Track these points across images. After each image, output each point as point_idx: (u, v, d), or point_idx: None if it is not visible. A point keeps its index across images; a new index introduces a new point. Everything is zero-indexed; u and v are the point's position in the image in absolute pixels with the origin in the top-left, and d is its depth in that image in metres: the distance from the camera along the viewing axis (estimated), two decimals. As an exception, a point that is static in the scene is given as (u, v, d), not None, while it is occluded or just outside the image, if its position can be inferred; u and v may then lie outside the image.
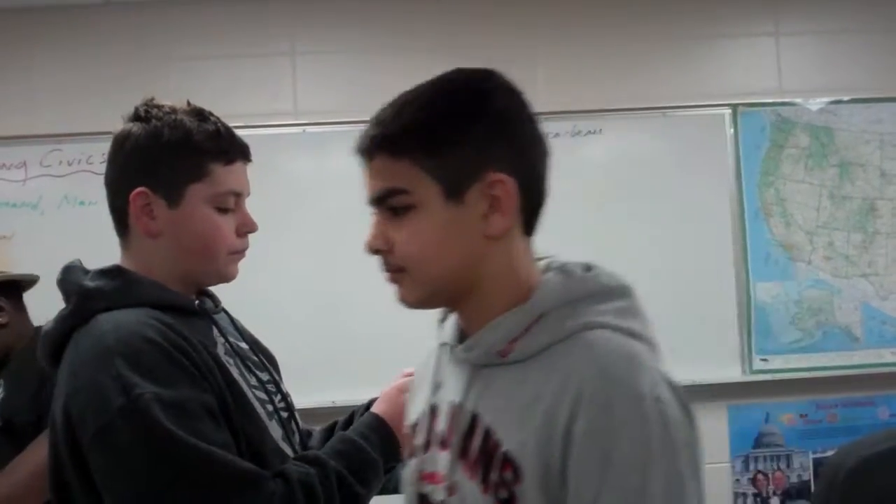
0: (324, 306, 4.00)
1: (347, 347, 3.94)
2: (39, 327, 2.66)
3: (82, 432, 1.44)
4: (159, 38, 4.20)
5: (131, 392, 1.40)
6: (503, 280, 1.20)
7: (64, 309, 1.59)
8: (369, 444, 1.55)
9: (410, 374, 1.62)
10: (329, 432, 1.76)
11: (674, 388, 1.12)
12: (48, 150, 4.08)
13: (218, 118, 1.68)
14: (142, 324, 1.48)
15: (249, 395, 1.55)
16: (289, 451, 1.59)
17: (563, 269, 1.23)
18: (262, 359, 1.71)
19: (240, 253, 1.67)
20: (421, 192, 1.18)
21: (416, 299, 1.23)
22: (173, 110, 1.65)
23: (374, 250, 1.22)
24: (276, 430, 1.58)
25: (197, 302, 1.63)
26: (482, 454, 1.16)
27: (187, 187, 1.60)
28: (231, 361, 1.58)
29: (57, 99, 4.15)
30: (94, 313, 1.52)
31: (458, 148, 1.17)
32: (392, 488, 1.56)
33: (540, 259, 1.27)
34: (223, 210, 1.62)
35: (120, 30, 4.21)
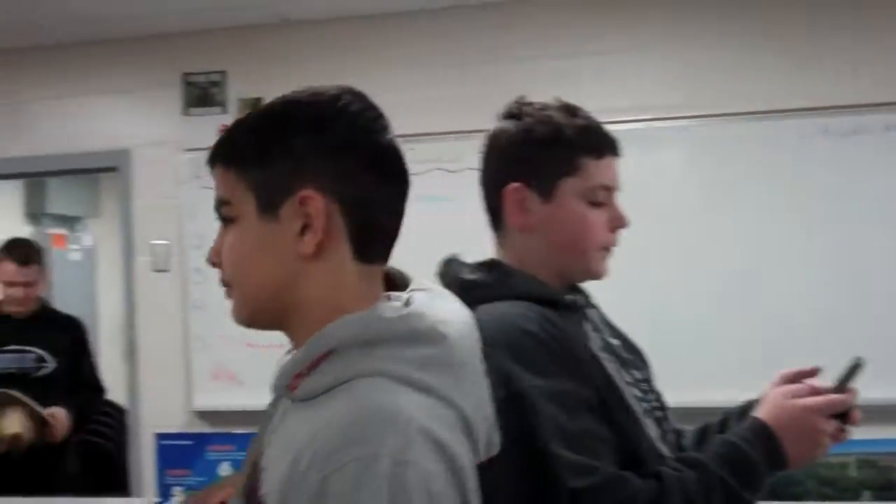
0: (672, 302, 3.94)
1: (718, 345, 3.89)
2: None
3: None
4: (504, 39, 4.31)
5: (513, 385, 1.42)
6: (322, 307, 1.12)
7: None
8: (752, 448, 1.48)
9: (791, 377, 1.56)
10: (702, 434, 1.71)
11: (446, 455, 1.02)
12: (405, 150, 4.27)
13: (588, 113, 1.68)
14: (521, 316, 1.50)
15: (625, 392, 1.54)
16: (665, 451, 1.56)
17: (376, 306, 1.11)
18: (634, 356, 1.69)
19: (609, 249, 1.66)
20: (240, 205, 1.14)
21: (241, 317, 1.19)
22: (545, 107, 1.67)
23: (212, 263, 1.20)
24: (651, 429, 1.56)
25: (569, 297, 1.63)
26: (251, 493, 1.12)
27: (560, 181, 1.61)
28: (606, 357, 1.57)
29: (409, 100, 4.36)
30: (473, 305, 1.56)
31: (274, 162, 1.12)
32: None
33: (415, 289, 1.19)
34: (595, 204, 1.62)
35: (468, 32, 4.36)
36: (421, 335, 1.09)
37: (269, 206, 1.12)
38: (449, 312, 1.16)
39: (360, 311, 1.10)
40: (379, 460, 0.96)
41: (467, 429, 1.09)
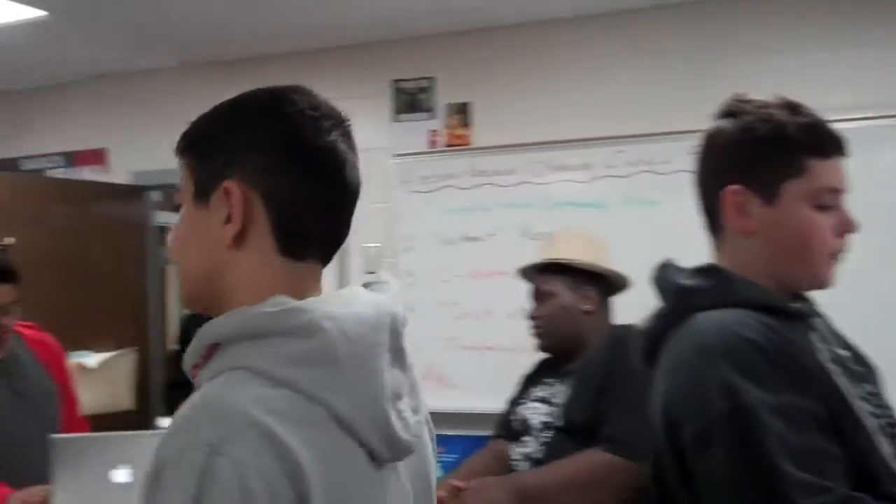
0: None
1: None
2: (615, 326, 2.74)
3: (682, 434, 1.43)
4: (716, 36, 4.19)
5: (735, 396, 1.36)
6: (243, 297, 1.15)
7: (661, 307, 1.60)
8: None
9: None
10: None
11: (280, 451, 1.01)
12: (612, 152, 4.24)
13: (811, 110, 1.59)
14: (743, 324, 1.43)
15: (857, 407, 1.44)
16: (901, 471, 1.46)
17: (265, 300, 1.12)
18: (864, 368, 1.59)
19: (837, 255, 1.57)
20: (184, 192, 1.22)
21: (183, 300, 1.25)
22: (765, 104, 1.59)
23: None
24: (885, 447, 1.46)
25: (794, 305, 1.55)
26: None
27: (783, 184, 1.53)
28: (835, 370, 1.48)
29: (618, 102, 4.30)
30: (691, 312, 1.51)
31: (210, 154, 1.19)
32: None
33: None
34: (821, 208, 1.53)
35: (677, 30, 4.26)
36: (295, 330, 1.09)
37: (202, 194, 1.19)
38: (352, 306, 1.15)
39: (236, 310, 1.13)
40: (196, 450, 0.99)
41: (341, 425, 1.09)
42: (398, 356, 1.21)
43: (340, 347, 1.10)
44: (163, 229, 5.43)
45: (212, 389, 1.07)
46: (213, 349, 1.13)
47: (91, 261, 4.99)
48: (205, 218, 1.19)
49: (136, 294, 5.28)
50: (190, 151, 1.23)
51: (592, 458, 2.45)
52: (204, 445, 0.99)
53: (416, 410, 1.22)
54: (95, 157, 5.23)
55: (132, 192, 5.31)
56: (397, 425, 1.15)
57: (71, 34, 4.55)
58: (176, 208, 6.69)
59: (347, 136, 1.24)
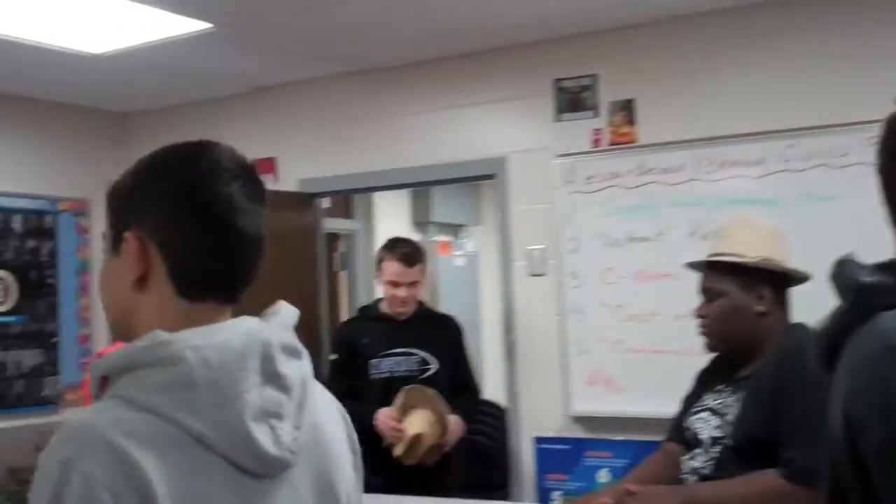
0: None
1: None
2: (788, 326, 2.60)
3: (863, 442, 1.34)
4: (888, 21, 3.98)
5: None
6: (144, 335, 1.25)
7: (840, 306, 1.50)
8: None
9: None
10: None
11: (127, 467, 1.13)
12: (785, 146, 4.07)
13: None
14: None
15: None
16: None
17: (144, 336, 1.24)
18: None
19: None
20: (107, 240, 1.36)
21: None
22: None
23: None
24: None
25: None
26: None
27: None
28: None
29: (790, 93, 4.12)
30: (874, 311, 1.41)
31: (121, 206, 1.34)
32: None
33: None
34: None
35: (849, 19, 4.06)
36: (160, 361, 1.21)
37: (114, 243, 1.34)
38: (221, 336, 1.25)
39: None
40: (54, 465, 1.14)
41: (200, 444, 1.20)
42: (273, 379, 1.28)
43: (199, 374, 1.21)
44: (331, 236, 5.51)
45: (80, 414, 1.21)
46: (105, 382, 1.25)
47: (263, 268, 5.10)
48: (117, 265, 1.33)
49: (306, 300, 5.39)
50: (109, 204, 1.37)
51: (767, 482, 2.35)
52: (61, 462, 1.14)
53: (297, 427, 1.29)
54: (265, 166, 5.36)
55: (301, 200, 5.43)
56: (265, 442, 1.23)
57: (236, 46, 4.69)
58: (345, 214, 6.86)
59: (251, 184, 1.34)
